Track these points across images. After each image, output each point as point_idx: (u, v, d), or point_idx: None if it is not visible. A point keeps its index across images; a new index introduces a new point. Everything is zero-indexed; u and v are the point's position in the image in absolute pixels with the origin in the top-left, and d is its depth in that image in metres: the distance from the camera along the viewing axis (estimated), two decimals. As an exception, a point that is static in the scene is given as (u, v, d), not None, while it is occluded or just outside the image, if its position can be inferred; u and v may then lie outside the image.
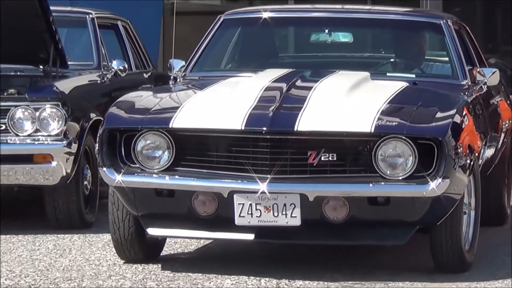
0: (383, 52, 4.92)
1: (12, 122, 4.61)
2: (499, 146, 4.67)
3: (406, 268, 3.69)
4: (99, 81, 5.53)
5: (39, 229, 4.61)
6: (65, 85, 4.91)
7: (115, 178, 3.32)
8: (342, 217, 3.26)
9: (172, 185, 3.35)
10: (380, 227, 3.39)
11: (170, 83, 4.37)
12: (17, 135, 4.64)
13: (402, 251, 3.76)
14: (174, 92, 4.10)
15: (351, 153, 3.37)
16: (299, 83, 3.76)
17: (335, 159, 3.27)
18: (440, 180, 3.16)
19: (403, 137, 3.22)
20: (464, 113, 3.56)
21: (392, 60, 4.70)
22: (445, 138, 3.21)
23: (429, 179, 3.18)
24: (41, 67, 5.20)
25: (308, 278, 3.34)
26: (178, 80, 4.29)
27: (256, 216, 3.26)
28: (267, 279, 3.32)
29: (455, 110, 3.47)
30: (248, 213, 3.24)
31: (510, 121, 4.97)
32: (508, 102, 5.03)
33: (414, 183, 3.23)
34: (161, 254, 3.83)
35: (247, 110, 3.32)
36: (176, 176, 3.36)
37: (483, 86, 4.30)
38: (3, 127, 4.64)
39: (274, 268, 3.54)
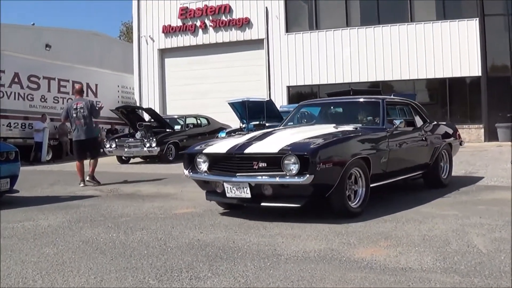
0: (353, 115, 8.66)
1: None
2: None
3: (323, 217, 6.40)
4: None
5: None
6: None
7: (186, 173, 7.20)
8: (270, 193, 6.31)
9: (206, 178, 7.00)
10: (288, 197, 6.37)
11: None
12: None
13: (323, 209, 6.60)
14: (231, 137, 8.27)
15: (272, 162, 6.32)
16: (268, 132, 7.32)
17: (265, 165, 6.38)
18: (307, 176, 5.96)
19: (291, 154, 6.15)
20: (335, 141, 6.53)
21: (356, 118, 8.33)
22: (311, 155, 6.04)
23: (302, 175, 6.02)
24: None
25: (253, 219, 6.48)
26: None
27: (233, 192, 6.53)
28: (240, 219, 6.56)
29: (325, 141, 6.41)
30: (230, 191, 6.55)
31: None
32: None
33: (297, 177, 6.04)
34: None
35: (234, 144, 6.82)
36: (209, 174, 6.94)
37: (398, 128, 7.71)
38: None
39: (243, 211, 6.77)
